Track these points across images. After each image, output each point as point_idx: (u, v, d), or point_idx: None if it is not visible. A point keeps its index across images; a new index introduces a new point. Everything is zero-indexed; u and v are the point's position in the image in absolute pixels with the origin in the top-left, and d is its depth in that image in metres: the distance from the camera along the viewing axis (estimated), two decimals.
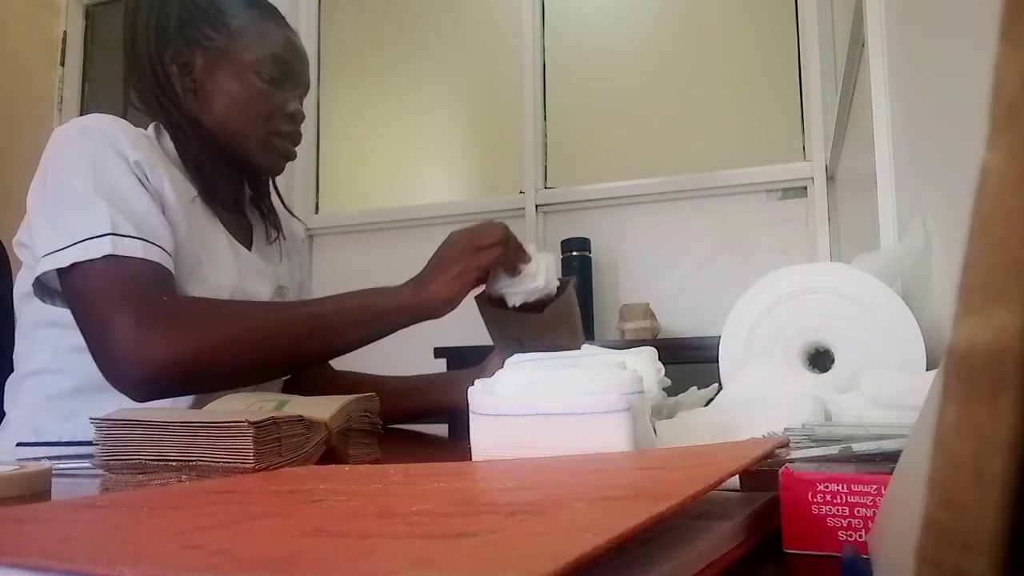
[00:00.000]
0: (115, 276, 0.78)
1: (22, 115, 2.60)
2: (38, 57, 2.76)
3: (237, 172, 1.00)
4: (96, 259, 0.77)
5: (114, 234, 0.78)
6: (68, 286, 0.80)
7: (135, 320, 0.75)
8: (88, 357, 0.87)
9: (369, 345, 0.88)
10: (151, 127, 0.95)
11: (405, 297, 0.87)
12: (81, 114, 2.78)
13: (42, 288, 0.84)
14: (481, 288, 0.92)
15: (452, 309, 0.88)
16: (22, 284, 0.91)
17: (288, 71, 0.97)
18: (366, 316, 0.85)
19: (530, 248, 0.93)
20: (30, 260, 0.86)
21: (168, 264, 0.82)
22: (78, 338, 0.88)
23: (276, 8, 1.01)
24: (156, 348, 0.74)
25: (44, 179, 0.84)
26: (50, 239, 0.79)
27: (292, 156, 1.00)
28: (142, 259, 0.79)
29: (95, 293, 0.77)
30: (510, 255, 0.90)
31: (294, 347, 0.82)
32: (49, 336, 0.89)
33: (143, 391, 0.75)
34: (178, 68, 0.93)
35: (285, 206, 1.13)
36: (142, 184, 0.85)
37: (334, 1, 2.58)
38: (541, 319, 0.92)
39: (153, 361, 0.74)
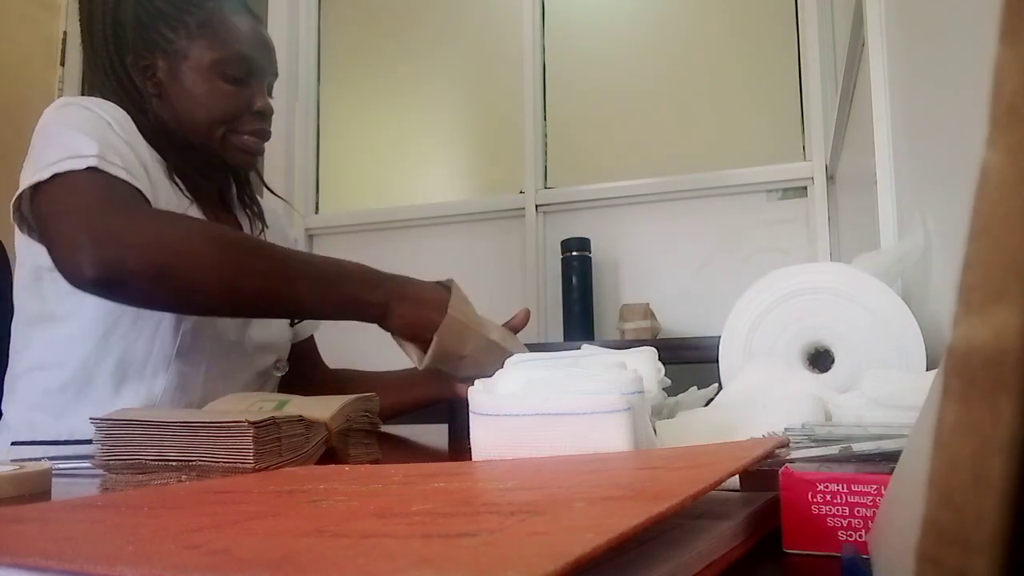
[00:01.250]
0: (95, 184, 0.76)
1: (22, 115, 2.60)
2: (38, 57, 2.76)
3: (216, 170, 0.99)
4: (79, 170, 0.76)
5: (100, 158, 0.78)
6: (43, 199, 0.77)
7: (113, 209, 0.74)
8: (79, 349, 0.88)
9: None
10: None
11: (375, 308, 0.82)
12: None
13: (23, 219, 0.83)
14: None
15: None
16: (20, 275, 0.91)
17: (252, 67, 0.95)
18: (329, 293, 0.80)
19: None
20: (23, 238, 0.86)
21: (150, 199, 0.82)
22: (70, 330, 0.88)
23: None
24: (124, 234, 0.72)
25: (32, 145, 0.84)
26: (34, 168, 0.78)
27: (261, 151, 0.99)
28: (125, 181, 0.78)
29: (75, 195, 0.76)
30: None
31: (237, 267, 0.76)
32: (42, 330, 0.89)
33: (98, 275, 0.72)
34: (140, 72, 0.92)
35: (271, 190, 1.11)
36: (128, 146, 0.84)
37: (334, 1, 2.58)
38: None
39: (117, 243, 0.71)
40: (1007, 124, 0.11)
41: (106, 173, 0.78)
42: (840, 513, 0.28)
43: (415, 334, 0.83)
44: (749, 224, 1.99)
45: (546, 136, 2.25)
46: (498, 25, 2.34)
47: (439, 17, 2.42)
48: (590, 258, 1.98)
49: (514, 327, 0.96)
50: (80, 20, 0.95)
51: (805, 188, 1.96)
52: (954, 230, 0.70)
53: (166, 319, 0.88)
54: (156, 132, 0.91)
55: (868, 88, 1.06)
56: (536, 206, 2.18)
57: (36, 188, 0.78)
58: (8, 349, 0.95)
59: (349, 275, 0.82)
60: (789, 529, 0.28)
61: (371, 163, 2.48)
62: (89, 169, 0.76)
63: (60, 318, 0.88)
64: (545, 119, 2.26)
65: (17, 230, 0.88)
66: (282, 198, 1.13)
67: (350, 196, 2.49)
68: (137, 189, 0.80)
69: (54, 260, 0.76)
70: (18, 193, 0.79)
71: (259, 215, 1.06)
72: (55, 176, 0.76)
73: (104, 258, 0.71)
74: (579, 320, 1.93)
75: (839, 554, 0.27)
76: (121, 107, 0.90)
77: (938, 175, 0.78)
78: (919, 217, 0.80)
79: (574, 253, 1.96)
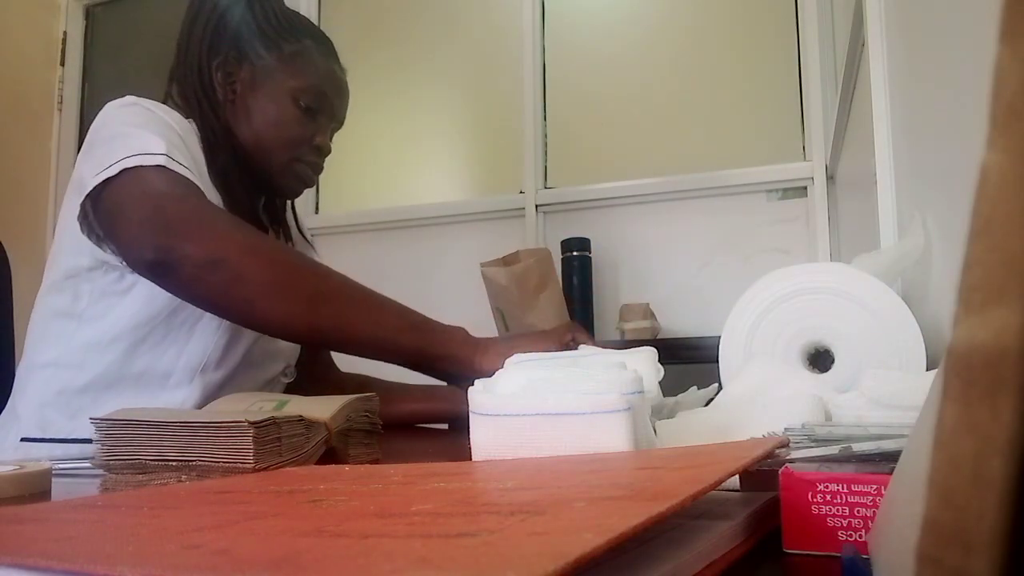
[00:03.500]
0: (164, 179, 0.78)
1: (22, 115, 2.60)
2: (38, 57, 2.76)
3: (257, 188, 1.01)
4: (148, 166, 0.79)
5: (168, 156, 0.80)
6: (110, 193, 0.79)
7: (179, 199, 0.77)
8: (104, 354, 0.88)
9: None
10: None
11: (458, 347, 0.82)
12: (81, 114, 2.79)
13: (84, 217, 0.84)
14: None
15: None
16: (52, 272, 0.91)
17: (326, 104, 0.99)
18: (396, 323, 0.81)
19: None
20: (72, 207, 0.86)
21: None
22: (92, 333, 0.88)
23: (331, 42, 1.03)
24: (187, 221, 0.75)
25: (93, 137, 0.85)
26: (98, 164, 0.79)
27: (311, 184, 1.03)
28: (190, 180, 0.81)
29: (144, 185, 0.78)
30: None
31: (308, 295, 0.77)
32: (64, 328, 0.90)
33: (156, 257, 0.74)
34: (223, 76, 0.96)
35: (301, 232, 1.13)
36: (189, 150, 0.87)
37: (334, 1, 2.58)
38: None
39: (177, 236, 0.74)
40: (1007, 124, 0.11)
41: (174, 172, 0.80)
42: (840, 513, 0.28)
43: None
44: (749, 224, 1.99)
45: (546, 136, 2.25)
46: (498, 25, 2.34)
47: (439, 17, 2.42)
48: (590, 258, 1.98)
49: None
50: (185, 14, 0.98)
51: (805, 188, 1.96)
52: (954, 230, 0.70)
53: (196, 333, 0.88)
54: (219, 136, 0.94)
55: (868, 88, 1.06)
56: (536, 206, 2.18)
57: (104, 185, 0.79)
58: (8, 347, 0.95)
59: (414, 315, 0.82)
60: (789, 529, 0.28)
61: (371, 163, 2.48)
62: (158, 167, 0.79)
63: (89, 319, 0.88)
64: (545, 119, 2.26)
65: (59, 228, 0.90)
66: (304, 234, 1.15)
67: (350, 196, 2.49)
68: (200, 188, 0.82)
69: (117, 245, 0.79)
70: (87, 191, 0.80)
71: (287, 235, 1.08)
72: (124, 171, 0.78)
73: (164, 241, 0.74)
74: (579, 320, 1.93)
75: (839, 554, 0.27)
76: (195, 106, 0.94)
77: (938, 175, 0.78)
78: (919, 217, 0.80)
79: (574, 253, 1.96)
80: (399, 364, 0.83)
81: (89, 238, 0.85)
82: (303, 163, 0.99)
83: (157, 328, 0.87)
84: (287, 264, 0.78)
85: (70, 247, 0.88)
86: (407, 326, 0.82)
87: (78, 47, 2.85)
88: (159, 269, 0.75)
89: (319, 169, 1.02)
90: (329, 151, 1.03)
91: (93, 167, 0.80)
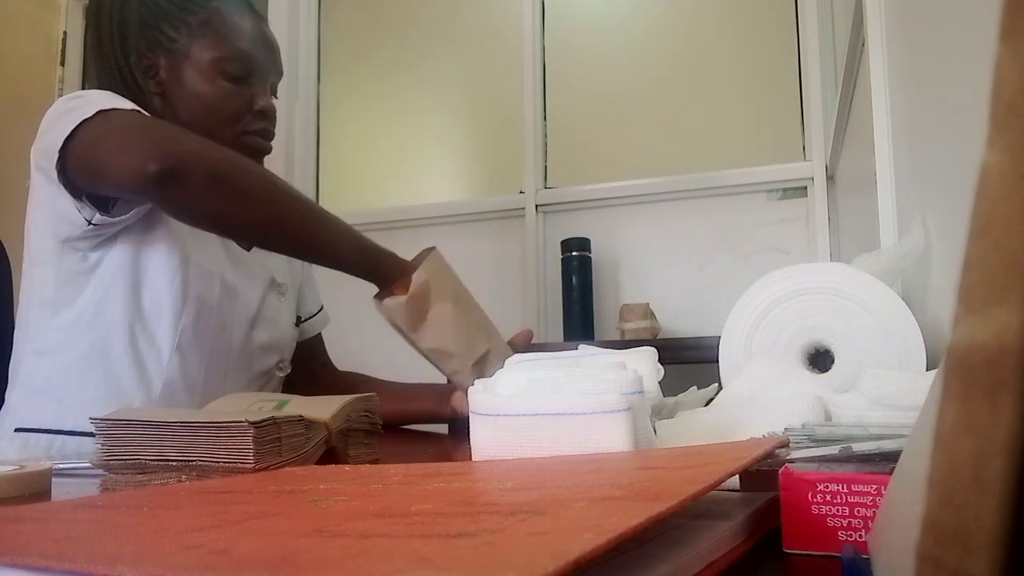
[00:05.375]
0: (142, 115, 0.80)
1: (22, 115, 2.60)
2: (38, 57, 2.76)
3: None
4: (124, 108, 0.79)
5: (137, 110, 0.80)
6: (90, 131, 0.78)
7: (167, 125, 0.80)
8: (79, 337, 0.88)
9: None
10: None
11: (380, 259, 0.88)
12: None
13: (63, 175, 0.83)
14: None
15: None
16: (26, 259, 0.91)
17: (254, 66, 0.95)
18: (336, 236, 0.85)
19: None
20: (43, 188, 0.85)
21: None
22: (67, 316, 0.89)
23: None
24: (184, 141, 0.77)
25: (50, 120, 0.84)
26: (75, 117, 0.78)
27: (267, 151, 0.99)
28: (165, 121, 0.82)
29: (128, 118, 0.78)
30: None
31: (269, 201, 0.81)
32: (41, 315, 0.90)
33: (161, 168, 0.74)
34: (142, 72, 0.93)
35: None
36: None
37: (334, 1, 2.58)
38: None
39: (166, 150, 0.74)
40: (1007, 124, 0.11)
41: (148, 115, 0.81)
42: (840, 513, 0.28)
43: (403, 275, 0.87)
44: (749, 224, 1.99)
45: (546, 136, 2.25)
46: (498, 25, 2.34)
47: (439, 17, 2.42)
48: (590, 258, 1.98)
49: (514, 344, 0.97)
50: (87, 19, 0.96)
51: (805, 188, 1.96)
52: (954, 230, 0.70)
53: (165, 313, 0.88)
54: None
55: (868, 88, 1.06)
56: (536, 206, 2.18)
57: (75, 132, 0.78)
58: (8, 345, 0.95)
59: (354, 232, 0.87)
60: (789, 529, 0.28)
61: (371, 163, 2.48)
62: (132, 110, 0.79)
63: (62, 303, 0.88)
64: (545, 119, 2.26)
65: (28, 217, 0.89)
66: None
67: (350, 196, 2.49)
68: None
69: (110, 172, 0.77)
70: (61, 140, 0.78)
71: None
72: (100, 112, 0.78)
73: (166, 153, 0.74)
74: (579, 320, 1.93)
75: (839, 554, 0.27)
76: None
77: (938, 175, 0.78)
78: (919, 217, 0.80)
79: (574, 253, 1.96)
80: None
81: (71, 192, 0.83)
82: (251, 134, 0.95)
83: (124, 307, 0.87)
84: (275, 180, 0.82)
85: (36, 233, 0.88)
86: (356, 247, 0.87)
87: (78, 47, 2.85)
88: (162, 183, 0.74)
89: (270, 134, 0.99)
90: (274, 110, 0.98)
91: (58, 131, 0.79)
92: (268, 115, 0.97)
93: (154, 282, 0.88)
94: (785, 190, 1.98)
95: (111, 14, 0.93)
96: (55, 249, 0.87)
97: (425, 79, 2.41)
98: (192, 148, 0.76)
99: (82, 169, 0.81)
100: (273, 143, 1.00)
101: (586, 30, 2.24)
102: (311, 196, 2.49)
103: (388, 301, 0.87)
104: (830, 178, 1.92)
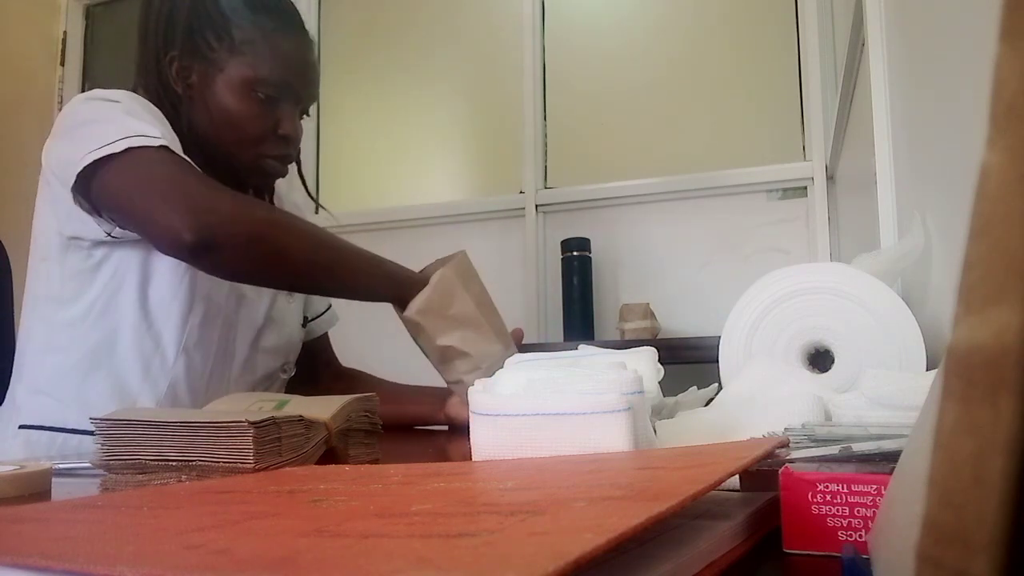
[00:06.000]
0: (172, 161, 0.80)
1: (22, 115, 2.60)
2: (38, 57, 2.76)
3: (229, 181, 1.00)
4: (153, 147, 0.79)
5: (165, 140, 0.80)
6: (116, 170, 0.78)
7: (199, 182, 0.79)
8: (84, 334, 0.88)
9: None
10: None
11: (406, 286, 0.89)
12: None
13: (84, 197, 0.83)
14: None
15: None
16: (31, 256, 0.92)
17: (287, 91, 0.94)
18: (366, 275, 0.88)
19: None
20: (56, 187, 0.85)
21: None
22: (72, 312, 0.89)
23: (294, 13, 0.97)
24: (218, 203, 0.78)
25: (68, 122, 0.84)
26: (91, 144, 0.78)
27: (281, 175, 0.99)
28: (192, 164, 0.81)
29: (159, 167, 0.79)
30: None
31: (301, 257, 0.83)
32: (46, 312, 0.90)
33: (197, 239, 0.75)
34: (178, 71, 0.92)
35: (310, 194, 1.13)
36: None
37: (334, 1, 2.58)
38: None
39: (208, 222, 0.75)
40: (1007, 124, 0.11)
41: (178, 155, 0.81)
42: (840, 513, 0.28)
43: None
44: (749, 224, 1.99)
45: (546, 136, 2.25)
46: (498, 25, 2.34)
47: (439, 17, 2.42)
48: (590, 258, 1.98)
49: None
50: (140, 9, 0.95)
51: (805, 188, 1.96)
52: (954, 230, 0.70)
53: (173, 312, 0.88)
54: (183, 133, 0.91)
55: (868, 88, 1.06)
56: (536, 206, 2.18)
57: (100, 162, 0.78)
58: (9, 344, 0.95)
59: (380, 261, 0.90)
60: (789, 529, 0.28)
61: (371, 163, 2.48)
62: (162, 147, 0.79)
63: (66, 300, 0.88)
64: (545, 119, 2.26)
65: (35, 216, 0.89)
66: (312, 196, 1.15)
67: (350, 196, 2.49)
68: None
69: (144, 228, 0.79)
70: (83, 164, 0.78)
71: None
72: (128, 150, 0.77)
73: (202, 224, 0.75)
74: (579, 320, 1.93)
75: (839, 554, 0.27)
76: (156, 102, 0.91)
77: (938, 175, 0.78)
78: (919, 217, 0.80)
79: (574, 253, 1.96)
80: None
81: (87, 211, 0.83)
82: (269, 158, 0.95)
83: (131, 304, 0.87)
84: (307, 230, 0.85)
85: (40, 229, 0.89)
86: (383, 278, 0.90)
87: (78, 47, 2.85)
88: (198, 251, 0.75)
89: (289, 160, 0.98)
90: (298, 138, 0.97)
91: (80, 147, 0.79)
92: (291, 141, 0.96)
93: (162, 281, 0.88)
94: (785, 190, 1.98)
95: (160, 10, 0.93)
96: (61, 244, 0.87)
97: (425, 79, 2.41)
98: (227, 212, 0.77)
99: (110, 209, 0.82)
100: None
101: (586, 30, 2.24)
102: None
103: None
104: (830, 178, 1.92)
